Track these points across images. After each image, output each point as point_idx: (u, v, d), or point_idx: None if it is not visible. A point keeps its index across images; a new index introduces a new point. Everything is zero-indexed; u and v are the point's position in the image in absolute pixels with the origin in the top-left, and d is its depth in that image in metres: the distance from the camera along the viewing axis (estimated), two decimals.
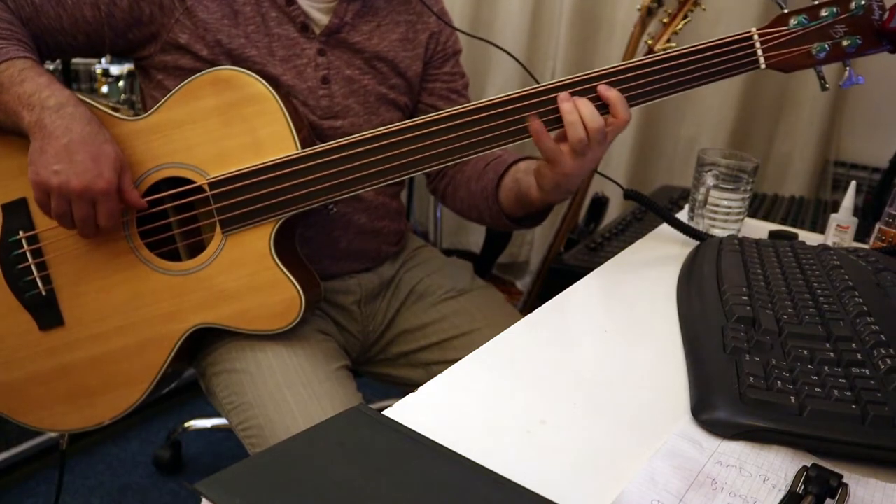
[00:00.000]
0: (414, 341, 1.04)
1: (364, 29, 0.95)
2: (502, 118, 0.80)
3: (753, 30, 0.79)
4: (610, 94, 0.78)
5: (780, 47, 0.78)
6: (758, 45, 0.79)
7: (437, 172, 1.07)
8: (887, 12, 0.76)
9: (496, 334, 0.63)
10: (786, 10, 0.78)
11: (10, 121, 0.78)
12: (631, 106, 0.80)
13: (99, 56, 0.94)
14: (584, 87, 0.79)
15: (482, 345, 0.61)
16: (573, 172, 0.81)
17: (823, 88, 0.81)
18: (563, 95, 0.78)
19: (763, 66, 0.79)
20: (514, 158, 0.97)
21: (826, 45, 0.78)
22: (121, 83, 1.82)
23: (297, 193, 0.81)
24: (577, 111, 0.77)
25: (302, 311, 0.82)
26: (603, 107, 0.79)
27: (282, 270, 0.82)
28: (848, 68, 0.81)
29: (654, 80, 0.79)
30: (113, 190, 0.77)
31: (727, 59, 0.79)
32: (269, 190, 0.81)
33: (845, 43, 0.77)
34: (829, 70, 0.81)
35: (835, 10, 0.77)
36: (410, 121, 0.80)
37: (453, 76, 1.06)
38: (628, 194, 0.91)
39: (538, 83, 0.81)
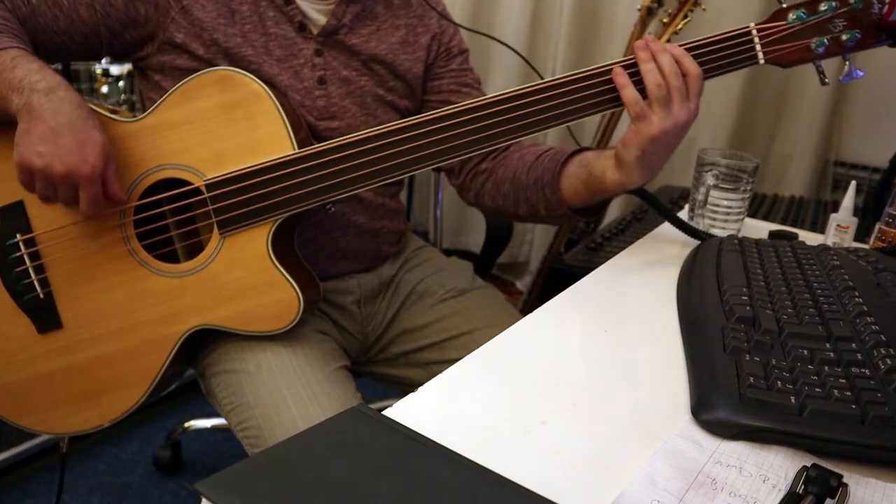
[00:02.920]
0: (414, 341, 1.04)
1: (362, 32, 0.94)
2: (500, 116, 0.79)
3: (752, 25, 0.79)
4: (675, 50, 0.77)
5: (778, 42, 0.78)
6: (756, 40, 0.78)
7: (468, 173, 1.03)
8: (887, 6, 0.75)
9: (496, 334, 0.63)
10: (784, 5, 0.78)
11: (0, 106, 0.78)
12: None
13: (97, 58, 0.94)
14: (586, 83, 0.79)
15: (482, 345, 0.61)
16: (659, 134, 0.77)
17: (823, 83, 0.81)
18: (639, 44, 0.78)
19: (762, 62, 0.79)
20: (574, 149, 0.94)
21: (825, 40, 0.78)
22: (121, 83, 1.82)
23: (294, 194, 0.81)
24: (653, 59, 0.77)
25: (300, 311, 0.82)
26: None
27: (280, 271, 0.82)
28: (847, 63, 0.80)
29: None
30: (96, 176, 0.76)
31: (726, 54, 0.78)
32: (265, 191, 0.81)
33: (844, 37, 0.77)
34: (829, 64, 0.81)
35: (834, 4, 0.77)
36: (407, 120, 0.80)
37: (463, 72, 1.04)
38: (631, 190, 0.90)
39: (542, 78, 0.81)
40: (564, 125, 0.81)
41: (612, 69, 0.79)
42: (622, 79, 0.78)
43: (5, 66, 0.77)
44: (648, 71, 0.77)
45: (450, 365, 0.57)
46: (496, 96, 0.80)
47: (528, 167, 0.95)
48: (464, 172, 1.03)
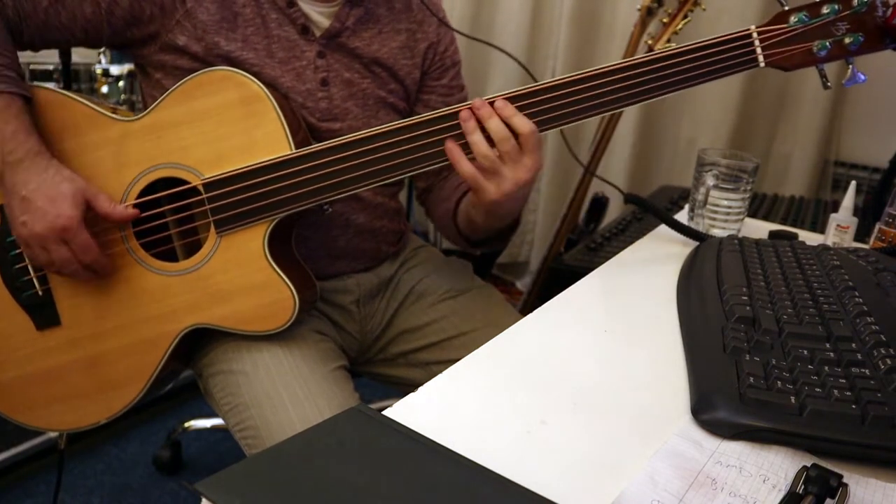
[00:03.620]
0: (413, 341, 1.04)
1: (364, 35, 0.94)
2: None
3: (752, 27, 0.78)
4: (505, 111, 0.77)
5: (779, 45, 0.78)
6: (757, 42, 0.78)
7: (426, 186, 1.07)
8: (891, 9, 0.74)
9: (496, 334, 0.63)
10: (786, 8, 0.78)
11: None
12: (632, 104, 0.79)
13: (95, 47, 0.94)
14: (588, 84, 0.78)
15: (482, 344, 0.61)
16: (499, 199, 0.80)
17: (825, 87, 0.81)
18: (464, 114, 0.78)
19: (762, 65, 0.78)
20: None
21: (827, 43, 0.77)
22: (121, 83, 1.82)
23: (291, 194, 0.81)
24: (479, 129, 0.77)
25: (296, 311, 0.82)
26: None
27: (275, 271, 0.82)
28: (851, 66, 0.80)
29: (653, 78, 0.78)
30: (74, 224, 0.78)
31: (725, 57, 0.78)
32: (262, 190, 0.81)
33: (847, 41, 0.77)
34: (831, 67, 0.81)
35: (836, 7, 0.76)
36: (403, 121, 0.80)
37: (451, 89, 1.05)
38: (629, 199, 0.91)
39: (536, 81, 0.81)
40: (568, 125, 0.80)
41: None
42: (455, 154, 0.79)
43: None
44: (474, 143, 0.78)
45: (450, 364, 0.57)
46: (491, 98, 0.79)
47: (446, 197, 1.01)
48: (423, 191, 1.08)
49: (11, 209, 0.79)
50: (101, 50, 1.77)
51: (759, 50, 0.78)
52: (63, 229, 0.78)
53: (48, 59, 1.65)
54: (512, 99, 0.79)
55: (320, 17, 0.92)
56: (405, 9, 0.99)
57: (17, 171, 0.78)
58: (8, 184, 0.78)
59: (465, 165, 0.79)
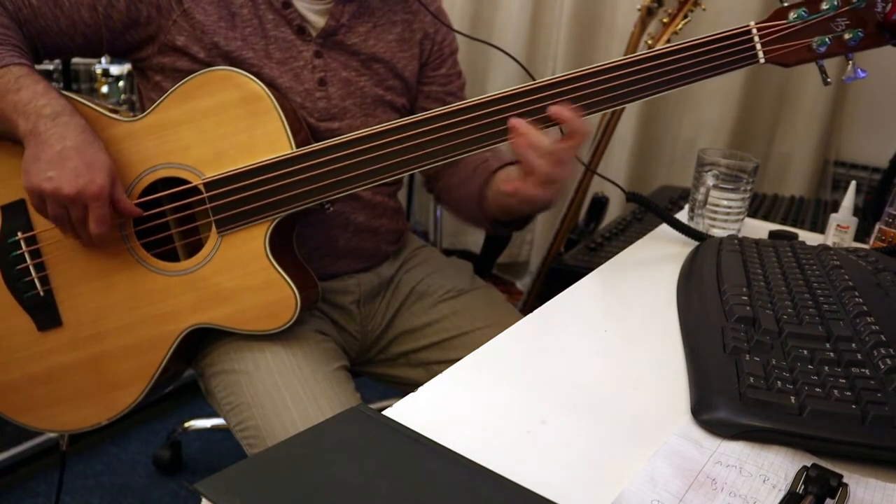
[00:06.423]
0: (414, 341, 1.04)
1: (360, 31, 0.95)
2: (495, 116, 0.79)
3: (752, 24, 0.78)
4: (563, 114, 0.78)
5: (779, 41, 0.78)
6: (756, 39, 0.78)
7: (433, 174, 1.07)
8: (890, 4, 0.74)
9: (496, 334, 0.63)
10: (785, 4, 0.77)
11: (5, 127, 0.79)
12: (632, 101, 0.79)
13: (97, 56, 0.94)
14: (587, 81, 0.78)
15: (482, 344, 0.61)
16: (537, 197, 0.81)
17: (825, 83, 0.81)
18: (553, 110, 0.78)
19: (762, 61, 0.78)
20: (499, 164, 0.96)
21: (827, 39, 0.77)
22: (121, 83, 1.82)
23: (292, 193, 0.81)
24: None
25: (297, 311, 0.82)
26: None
27: (277, 270, 0.82)
28: (851, 62, 0.79)
29: (654, 74, 0.78)
30: (104, 195, 0.77)
31: (725, 53, 0.78)
32: (263, 190, 0.81)
33: (847, 36, 0.76)
34: (832, 64, 0.81)
35: (835, 2, 0.76)
36: (404, 119, 0.80)
37: (450, 78, 1.05)
38: (630, 197, 0.91)
39: (534, 79, 0.81)
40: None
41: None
42: (527, 127, 0.78)
43: (9, 87, 0.77)
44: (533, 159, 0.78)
45: (450, 364, 0.57)
46: (492, 95, 0.79)
47: (466, 180, 1.00)
48: (432, 179, 1.08)
49: (38, 161, 0.75)
50: None
51: (758, 46, 0.78)
52: (93, 196, 0.76)
53: None
54: (510, 97, 0.78)
55: (316, 17, 0.92)
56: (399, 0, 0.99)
57: (56, 124, 0.75)
58: (43, 135, 0.75)
59: (541, 139, 0.77)
